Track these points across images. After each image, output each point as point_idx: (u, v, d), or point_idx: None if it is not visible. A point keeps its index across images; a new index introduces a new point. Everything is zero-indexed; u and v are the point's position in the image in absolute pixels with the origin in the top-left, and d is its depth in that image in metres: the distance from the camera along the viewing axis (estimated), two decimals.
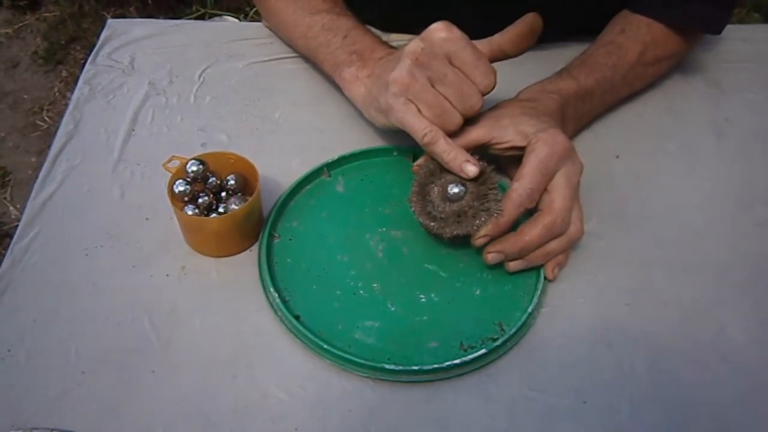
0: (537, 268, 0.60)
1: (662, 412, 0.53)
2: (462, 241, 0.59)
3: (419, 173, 0.59)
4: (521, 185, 0.57)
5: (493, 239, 0.58)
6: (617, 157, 0.72)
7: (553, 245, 0.59)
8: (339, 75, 0.68)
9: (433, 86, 0.57)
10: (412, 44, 0.57)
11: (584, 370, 0.56)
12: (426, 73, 0.56)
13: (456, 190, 0.57)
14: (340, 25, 0.71)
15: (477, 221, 0.56)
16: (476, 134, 0.60)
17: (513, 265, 0.59)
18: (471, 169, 0.56)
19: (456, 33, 0.57)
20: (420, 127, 0.57)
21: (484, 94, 0.58)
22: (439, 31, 0.57)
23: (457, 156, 0.57)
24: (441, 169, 0.58)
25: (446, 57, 0.57)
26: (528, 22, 0.59)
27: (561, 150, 0.58)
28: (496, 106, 0.64)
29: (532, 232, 0.57)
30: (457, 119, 0.57)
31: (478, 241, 0.58)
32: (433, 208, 0.58)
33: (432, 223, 0.57)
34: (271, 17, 0.82)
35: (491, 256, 0.58)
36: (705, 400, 0.54)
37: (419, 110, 0.57)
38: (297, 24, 0.76)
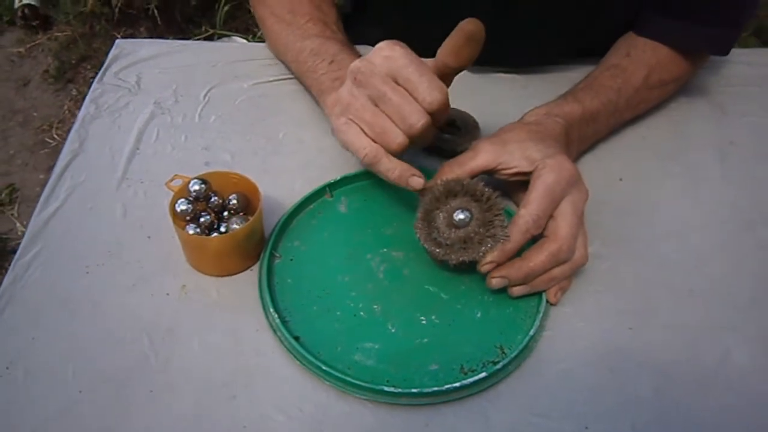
0: (539, 292, 0.59)
1: None
2: (465, 266, 0.58)
3: (424, 200, 0.59)
4: (528, 211, 0.56)
5: (498, 265, 0.57)
6: (620, 179, 0.72)
7: (557, 271, 0.58)
8: (323, 102, 0.68)
9: (376, 105, 0.56)
10: (353, 64, 0.57)
11: (586, 395, 0.55)
12: (365, 92, 0.56)
13: (461, 216, 0.57)
14: (327, 50, 0.71)
15: (483, 247, 0.56)
16: (483, 160, 0.60)
17: (517, 290, 0.59)
18: (417, 181, 0.56)
19: (398, 51, 0.55)
20: (360, 146, 0.56)
21: (430, 112, 0.55)
22: (381, 49, 0.56)
23: (402, 173, 0.56)
24: (446, 195, 0.58)
25: (388, 75, 0.55)
26: (463, 29, 0.56)
27: (568, 177, 0.58)
28: (502, 130, 0.64)
29: (537, 258, 0.57)
30: (399, 138, 0.55)
31: (484, 268, 0.57)
32: (439, 234, 0.57)
33: (438, 250, 0.57)
34: (269, 40, 0.84)
35: (495, 281, 0.58)
36: (710, 427, 0.53)
37: (362, 130, 0.57)
38: (289, 48, 0.77)
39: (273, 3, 0.80)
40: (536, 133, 0.63)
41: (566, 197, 0.58)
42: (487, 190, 0.57)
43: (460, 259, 0.56)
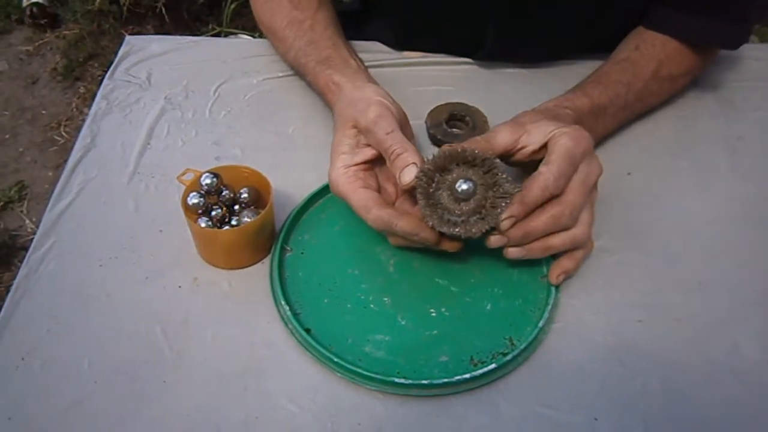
0: (548, 283, 0.60)
1: (675, 430, 0.53)
2: (474, 254, 0.58)
3: (419, 185, 0.55)
4: (549, 169, 0.55)
5: (517, 222, 0.55)
6: (629, 174, 0.72)
7: (556, 240, 0.57)
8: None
9: None
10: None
11: (596, 387, 0.55)
12: None
13: (465, 186, 0.54)
14: (304, 66, 0.75)
15: (498, 210, 0.54)
16: (503, 139, 0.59)
17: (512, 251, 0.57)
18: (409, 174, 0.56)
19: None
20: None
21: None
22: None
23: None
24: (440, 171, 0.56)
25: None
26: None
27: (585, 144, 0.57)
28: (516, 117, 0.63)
29: (538, 218, 0.55)
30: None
31: (504, 224, 0.54)
32: (450, 213, 0.54)
33: (456, 230, 0.54)
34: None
35: (494, 238, 0.56)
36: (718, 419, 0.54)
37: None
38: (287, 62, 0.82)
39: (258, 12, 0.82)
40: (550, 116, 0.62)
41: (579, 165, 0.57)
42: (477, 152, 0.55)
43: (483, 230, 0.54)
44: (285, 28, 0.78)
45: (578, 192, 0.56)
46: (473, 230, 0.54)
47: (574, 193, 0.56)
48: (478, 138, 0.58)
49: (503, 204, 0.54)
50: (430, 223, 0.54)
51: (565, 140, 0.57)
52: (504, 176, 0.54)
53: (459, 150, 0.55)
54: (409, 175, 0.55)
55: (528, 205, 0.55)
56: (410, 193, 0.56)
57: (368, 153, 0.60)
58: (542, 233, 0.56)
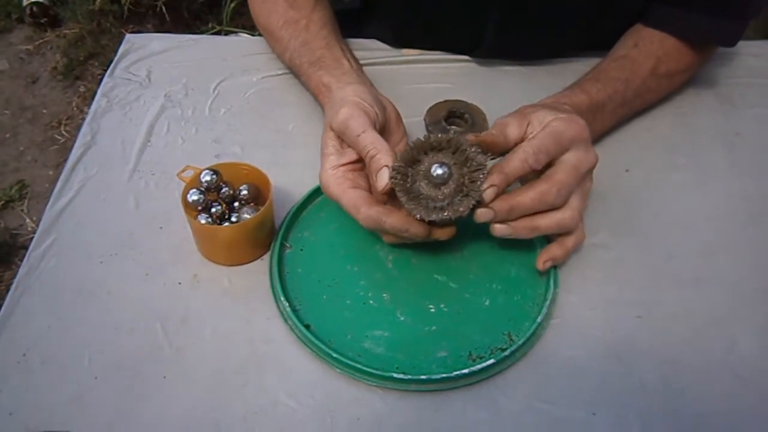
0: (546, 279, 0.60)
1: (673, 425, 0.53)
2: (473, 250, 0.58)
3: (395, 183, 0.55)
4: (530, 143, 0.56)
5: (500, 191, 0.55)
6: (627, 170, 0.72)
7: (543, 221, 0.57)
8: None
9: None
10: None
11: (594, 383, 0.55)
12: None
13: (440, 171, 0.54)
14: (299, 67, 0.76)
15: (478, 183, 0.54)
16: (513, 132, 0.58)
17: (498, 228, 0.56)
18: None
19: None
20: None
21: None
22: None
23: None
24: (411, 163, 0.56)
25: None
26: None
27: (578, 129, 0.57)
28: (518, 109, 0.63)
29: (524, 194, 0.55)
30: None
31: (488, 194, 0.54)
32: (434, 201, 0.55)
33: (445, 214, 0.54)
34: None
35: (480, 211, 0.55)
36: (717, 415, 0.54)
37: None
38: (284, 62, 0.82)
39: (255, 12, 0.82)
40: (549, 108, 0.62)
41: (572, 149, 0.57)
42: (441, 136, 0.55)
43: (470, 205, 0.54)
44: (281, 28, 0.78)
45: (568, 173, 0.56)
46: (461, 209, 0.54)
47: (563, 173, 0.56)
48: (495, 132, 0.58)
49: (481, 176, 0.54)
50: (418, 216, 0.54)
51: (557, 123, 0.57)
52: (473, 149, 0.54)
53: (423, 139, 0.55)
54: (383, 179, 0.55)
55: (508, 175, 0.55)
56: (391, 194, 0.56)
57: (353, 153, 0.60)
58: (529, 210, 0.56)
